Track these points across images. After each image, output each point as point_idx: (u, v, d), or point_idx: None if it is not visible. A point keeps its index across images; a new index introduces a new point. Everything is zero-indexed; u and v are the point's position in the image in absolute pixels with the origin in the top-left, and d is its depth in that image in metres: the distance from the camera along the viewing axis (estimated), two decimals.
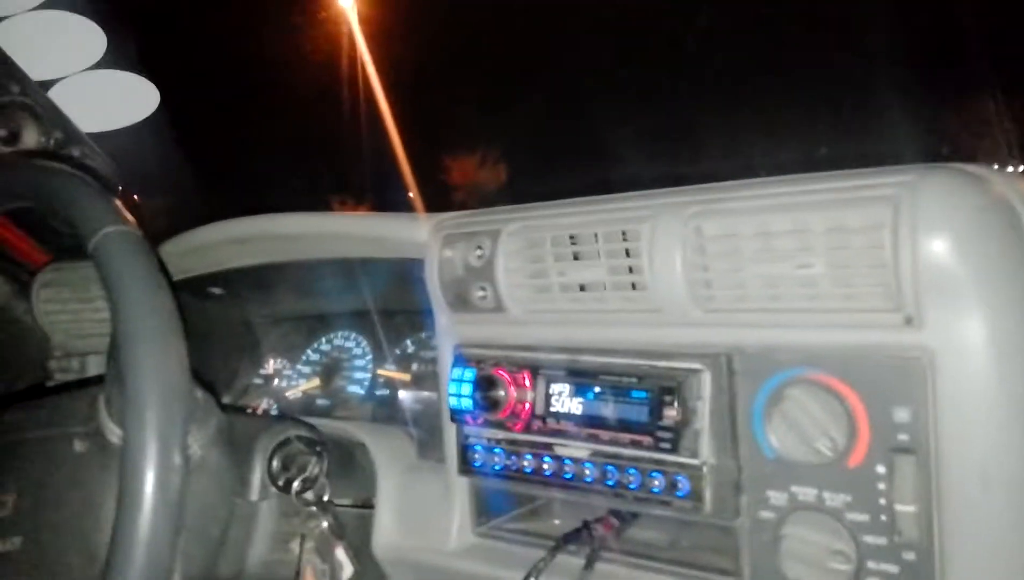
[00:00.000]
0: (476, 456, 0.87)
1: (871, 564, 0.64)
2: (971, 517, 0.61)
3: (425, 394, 1.13)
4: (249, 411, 1.23)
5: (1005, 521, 0.61)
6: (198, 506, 0.70)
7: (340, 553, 0.85)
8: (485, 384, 0.85)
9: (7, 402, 0.84)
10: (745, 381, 0.71)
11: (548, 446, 0.82)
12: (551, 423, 0.82)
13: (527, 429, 0.83)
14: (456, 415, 0.88)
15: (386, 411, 1.17)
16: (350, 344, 1.26)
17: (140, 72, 1.39)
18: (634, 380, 0.77)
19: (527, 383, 0.84)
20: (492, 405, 0.84)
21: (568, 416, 0.80)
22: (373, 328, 1.22)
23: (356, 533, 0.92)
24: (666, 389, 0.74)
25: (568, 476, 0.80)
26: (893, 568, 0.64)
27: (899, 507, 0.63)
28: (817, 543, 0.66)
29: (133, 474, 0.58)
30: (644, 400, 0.75)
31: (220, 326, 1.28)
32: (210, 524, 0.76)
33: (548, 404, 0.82)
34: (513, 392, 0.84)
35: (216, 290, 1.24)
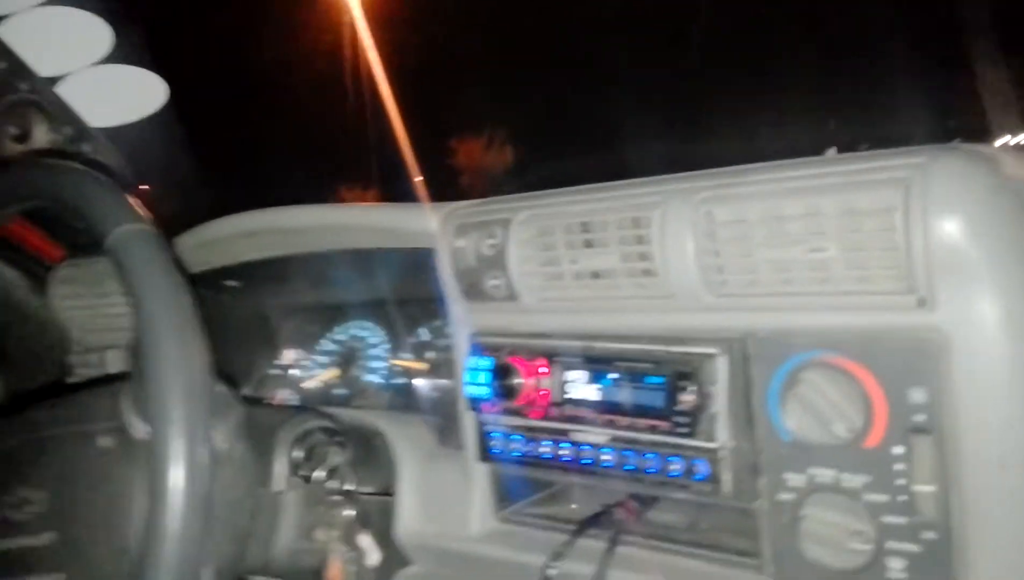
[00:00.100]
0: (494, 443, 0.88)
1: (891, 544, 0.65)
2: (989, 496, 0.62)
3: (442, 382, 1.14)
4: (268, 402, 1.24)
5: (1023, 499, 0.61)
6: (224, 498, 0.71)
7: (365, 540, 0.86)
8: (501, 372, 0.86)
9: (30, 400, 0.85)
10: (760, 365, 0.72)
11: (566, 432, 0.83)
12: (568, 410, 0.82)
13: (545, 416, 0.84)
14: (473, 403, 0.89)
15: (403, 399, 1.18)
16: (366, 333, 1.27)
17: (147, 66, 1.40)
18: (650, 366, 0.77)
19: (543, 371, 0.84)
20: (509, 393, 0.85)
21: (585, 402, 0.81)
22: (388, 317, 1.23)
23: (379, 521, 0.93)
24: (682, 374, 0.75)
25: (587, 461, 0.81)
26: (913, 547, 0.64)
27: (917, 487, 0.63)
28: (836, 524, 0.67)
29: (162, 470, 0.59)
30: (660, 385, 0.76)
31: (236, 318, 1.29)
32: (236, 516, 0.77)
33: (564, 391, 0.83)
34: (530, 380, 0.84)
35: (231, 283, 1.25)
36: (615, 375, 0.79)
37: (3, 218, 0.78)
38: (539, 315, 0.86)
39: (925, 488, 0.63)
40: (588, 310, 0.83)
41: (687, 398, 0.74)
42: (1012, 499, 0.61)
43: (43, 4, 1.22)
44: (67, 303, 1.29)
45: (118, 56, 1.31)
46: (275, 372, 1.32)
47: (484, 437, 0.89)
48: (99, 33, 1.27)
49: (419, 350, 1.20)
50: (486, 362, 0.87)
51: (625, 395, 0.79)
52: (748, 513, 0.73)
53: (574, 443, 0.82)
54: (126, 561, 0.69)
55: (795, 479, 0.70)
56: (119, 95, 1.32)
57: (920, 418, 0.64)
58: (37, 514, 0.75)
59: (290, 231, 1.11)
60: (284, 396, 1.28)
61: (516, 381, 0.85)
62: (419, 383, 1.18)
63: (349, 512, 0.85)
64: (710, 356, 0.74)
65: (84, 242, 1.29)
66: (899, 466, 0.65)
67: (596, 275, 0.80)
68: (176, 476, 0.59)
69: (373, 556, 0.86)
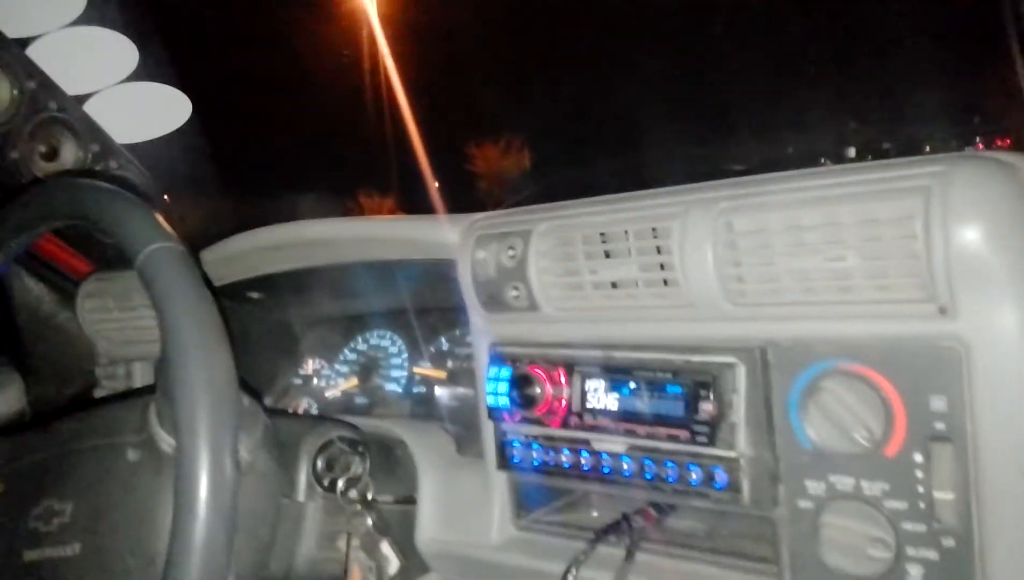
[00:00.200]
0: (514, 452, 0.89)
1: (910, 551, 0.65)
2: (1009, 503, 0.61)
3: (461, 391, 1.15)
4: (291, 412, 1.26)
5: None
6: (248, 508, 0.72)
7: (386, 548, 0.87)
8: (521, 382, 0.86)
9: (59, 412, 0.86)
10: (780, 373, 0.72)
11: (585, 441, 0.83)
12: (588, 419, 0.83)
13: (564, 425, 0.85)
14: (493, 413, 0.89)
15: (423, 408, 1.19)
16: (386, 343, 1.28)
17: (171, 82, 1.42)
18: (669, 375, 0.78)
19: (563, 380, 0.85)
20: (529, 402, 0.86)
21: (604, 411, 0.82)
22: (408, 327, 1.24)
23: (399, 529, 0.94)
24: (701, 383, 0.75)
25: (606, 470, 0.82)
26: (933, 555, 0.64)
27: (938, 495, 0.63)
28: (856, 531, 0.67)
29: (188, 481, 0.61)
30: (679, 394, 0.76)
31: (259, 329, 1.31)
32: (260, 525, 0.79)
33: (584, 400, 0.83)
34: (549, 389, 0.85)
35: (254, 295, 1.27)
36: (634, 384, 0.80)
37: (35, 236, 0.80)
38: (559, 325, 0.87)
39: (945, 496, 0.63)
40: (607, 319, 0.83)
41: (707, 407, 0.74)
42: None
43: (71, 25, 1.24)
44: (94, 316, 1.32)
45: (143, 73, 1.34)
46: (297, 382, 1.34)
47: (504, 446, 0.90)
48: (124, 51, 1.30)
49: (439, 359, 1.21)
50: (506, 371, 0.88)
51: (644, 404, 0.79)
52: (767, 520, 0.74)
53: (593, 452, 0.83)
54: (153, 572, 0.70)
55: (815, 487, 0.70)
56: (144, 112, 1.34)
57: (940, 426, 0.64)
58: (65, 525, 0.76)
59: (312, 244, 1.12)
60: (305, 405, 1.29)
61: (536, 390, 0.85)
62: (439, 392, 1.19)
63: (370, 521, 0.86)
64: (730, 365, 0.74)
65: (111, 256, 1.32)
66: (919, 474, 0.65)
67: (615, 285, 0.80)
68: (203, 488, 0.61)
69: (393, 564, 0.87)
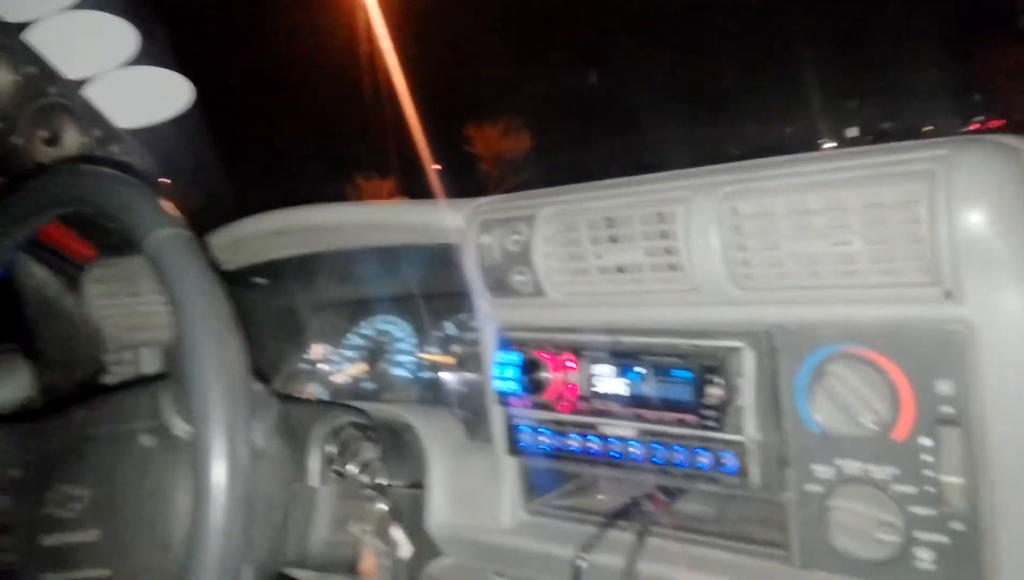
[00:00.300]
0: (523, 437, 0.90)
1: (919, 534, 0.66)
2: (1018, 486, 0.62)
3: (469, 375, 1.16)
4: (301, 398, 1.26)
5: None
6: (261, 493, 0.73)
7: (397, 533, 0.88)
8: (529, 367, 0.87)
9: (70, 400, 0.87)
10: (787, 357, 0.72)
11: (594, 426, 0.84)
12: (596, 403, 0.83)
13: (573, 410, 0.85)
14: (501, 398, 0.90)
15: (431, 393, 1.20)
16: (393, 328, 1.28)
17: (171, 66, 1.41)
18: (676, 359, 0.78)
19: (570, 365, 0.85)
20: (537, 387, 0.86)
21: (612, 396, 0.82)
22: (415, 311, 1.25)
23: (410, 513, 0.95)
24: (708, 367, 0.75)
25: (615, 455, 0.82)
26: (942, 538, 0.65)
27: (946, 478, 0.64)
28: (865, 514, 0.68)
29: (205, 467, 0.61)
30: (687, 379, 0.77)
31: (265, 314, 1.31)
32: (273, 510, 0.79)
33: (592, 385, 0.84)
34: (557, 374, 0.85)
35: (259, 280, 1.27)
36: (642, 369, 0.80)
37: (41, 223, 0.80)
38: (565, 310, 0.87)
39: (953, 479, 0.64)
40: (614, 304, 0.83)
41: (714, 391, 0.75)
42: None
43: (71, 8, 1.23)
44: (101, 302, 1.32)
45: (143, 57, 1.33)
46: (304, 367, 1.34)
47: (512, 431, 0.91)
48: (124, 35, 1.29)
49: (446, 344, 1.21)
50: (513, 357, 0.89)
51: (652, 389, 0.79)
52: (775, 504, 0.74)
53: (602, 437, 0.83)
54: (169, 557, 0.71)
55: (823, 471, 0.70)
56: (145, 96, 1.33)
57: (947, 410, 0.64)
58: (82, 511, 0.77)
59: (317, 229, 1.12)
60: (313, 391, 1.30)
61: (544, 375, 0.86)
62: (446, 377, 1.19)
63: (381, 505, 0.86)
64: (736, 349, 0.74)
65: (116, 242, 1.32)
66: (927, 457, 0.65)
67: (621, 270, 0.80)
68: (219, 474, 0.61)
69: (405, 548, 0.87)
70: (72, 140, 1.24)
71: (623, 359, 0.82)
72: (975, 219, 0.61)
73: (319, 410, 0.89)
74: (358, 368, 1.29)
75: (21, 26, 1.18)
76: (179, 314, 0.64)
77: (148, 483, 0.75)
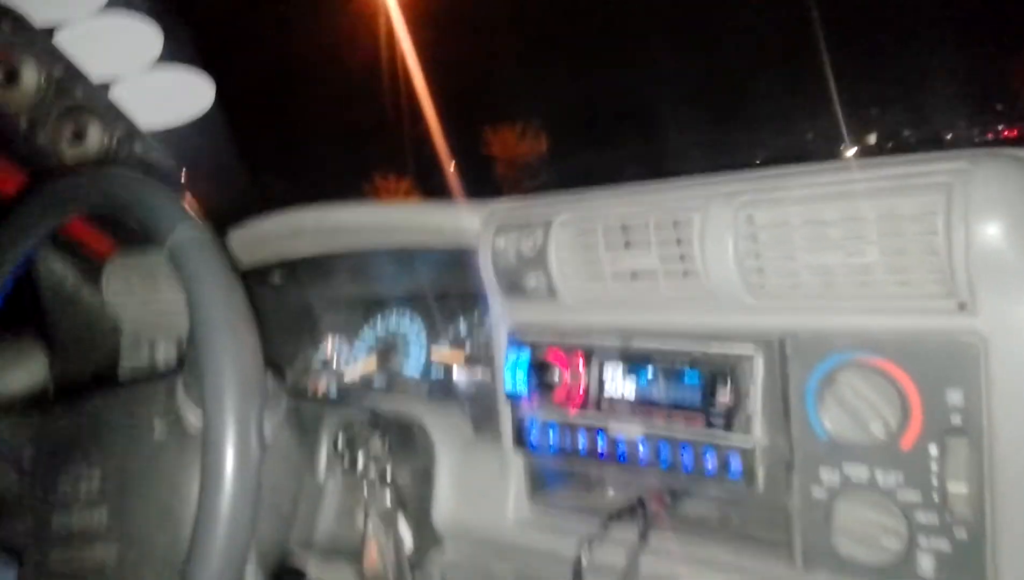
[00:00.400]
0: (531, 435, 0.90)
1: (922, 541, 0.66)
2: (1023, 497, 0.62)
3: (479, 374, 1.16)
4: (311, 393, 1.27)
5: None
6: (270, 485, 0.74)
7: (402, 526, 0.89)
8: (540, 367, 0.88)
9: (85, 389, 0.89)
10: (798, 364, 0.73)
11: (602, 427, 0.84)
12: (605, 404, 0.84)
13: (582, 410, 0.86)
14: (511, 398, 0.91)
15: (441, 391, 1.21)
16: (405, 326, 1.29)
17: (195, 65, 1.43)
18: (687, 363, 0.79)
19: (581, 366, 0.86)
20: (547, 387, 0.87)
21: (622, 398, 0.83)
22: (427, 310, 1.26)
23: (416, 507, 0.96)
24: (719, 372, 0.76)
25: (622, 456, 0.83)
26: (945, 546, 0.65)
27: (951, 487, 0.64)
28: (869, 521, 0.68)
29: (215, 458, 0.62)
30: (697, 383, 0.77)
31: (280, 311, 1.32)
32: (281, 501, 0.80)
33: (602, 386, 0.84)
34: (567, 375, 0.86)
35: (275, 280, 1.28)
36: (652, 372, 0.81)
37: (63, 221, 0.82)
38: (578, 312, 0.87)
39: (959, 488, 0.64)
40: (627, 308, 0.84)
41: (724, 396, 0.75)
42: None
43: (98, 10, 1.26)
44: (119, 295, 1.34)
45: (167, 56, 1.35)
46: (316, 363, 1.36)
47: (521, 429, 0.91)
48: (149, 36, 1.31)
49: (457, 343, 1.22)
50: (525, 357, 0.89)
51: (662, 392, 0.80)
52: (780, 508, 0.75)
53: (610, 438, 0.84)
54: (177, 544, 0.72)
55: (829, 477, 0.71)
56: (168, 96, 1.35)
57: (956, 420, 0.64)
58: (92, 494, 0.78)
59: (334, 229, 1.13)
60: (325, 386, 1.31)
61: (554, 377, 0.87)
62: (456, 376, 1.20)
63: (388, 498, 0.87)
64: (748, 356, 0.75)
65: (135, 236, 1.34)
66: (934, 466, 0.65)
67: (635, 275, 0.81)
68: (229, 464, 0.62)
69: (409, 541, 0.88)
70: (96, 140, 1.26)
71: (634, 362, 0.83)
72: (992, 232, 0.61)
73: (329, 405, 0.90)
74: (369, 365, 1.30)
75: (49, 29, 1.21)
76: (196, 311, 0.66)
77: (159, 471, 0.76)
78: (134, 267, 1.33)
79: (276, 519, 0.80)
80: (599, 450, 0.85)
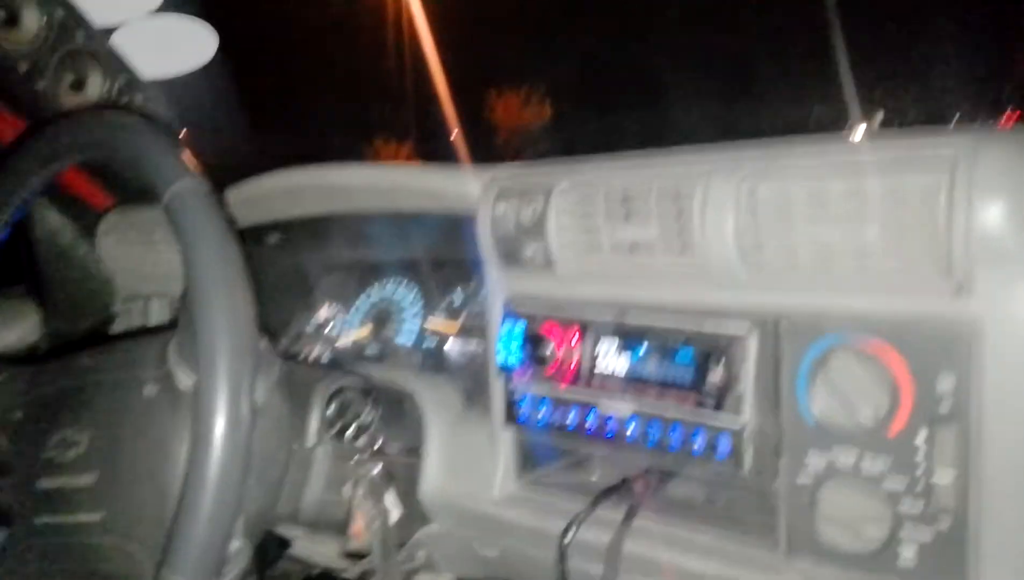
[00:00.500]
0: (522, 409, 0.90)
1: (905, 530, 0.66)
2: (1009, 487, 0.62)
3: (473, 345, 1.16)
4: (304, 359, 1.27)
5: None
6: (259, 449, 0.74)
7: (389, 497, 0.89)
8: (534, 340, 0.87)
9: (76, 346, 0.88)
10: (791, 345, 0.72)
11: (593, 403, 0.84)
12: (597, 380, 0.84)
13: (574, 385, 0.85)
14: (504, 370, 0.90)
15: (434, 361, 1.20)
16: (400, 294, 1.28)
17: (199, 15, 1.41)
18: (680, 340, 0.78)
19: (575, 340, 0.85)
20: (540, 360, 0.87)
21: (614, 374, 0.82)
22: (423, 278, 1.25)
23: (404, 479, 0.96)
24: (712, 351, 0.75)
25: (610, 434, 0.82)
26: (928, 535, 0.65)
27: (937, 475, 0.64)
28: (853, 508, 0.68)
29: (206, 419, 0.62)
30: (690, 361, 0.77)
31: (275, 273, 1.32)
32: (269, 467, 0.80)
33: (594, 361, 0.84)
34: (561, 348, 0.86)
35: (272, 239, 1.27)
36: (646, 348, 0.80)
37: (61, 168, 0.80)
38: (574, 284, 0.87)
39: (945, 476, 0.63)
40: (623, 281, 0.83)
41: (716, 375, 0.75)
42: None
43: None
44: (114, 250, 1.33)
45: (170, 5, 1.33)
46: (310, 328, 1.35)
47: (511, 403, 0.91)
48: None
49: (452, 313, 1.21)
50: (519, 329, 0.89)
51: (654, 369, 0.79)
52: (765, 491, 0.74)
53: (600, 414, 0.83)
54: (165, 505, 0.72)
55: (816, 462, 0.70)
56: (171, 46, 1.33)
57: (946, 406, 0.64)
58: (81, 455, 0.78)
59: (333, 190, 1.12)
60: (317, 352, 1.31)
61: (548, 350, 0.86)
62: (449, 346, 1.20)
63: (376, 469, 0.87)
64: (742, 334, 0.74)
65: (132, 190, 1.32)
66: (920, 454, 0.65)
67: (634, 247, 0.80)
68: (220, 426, 0.62)
69: (395, 513, 0.89)
70: (96, 87, 1.24)
71: (628, 337, 0.82)
72: (993, 213, 0.60)
73: (321, 371, 0.89)
74: (363, 332, 1.30)
75: None
76: (192, 266, 0.65)
77: (149, 432, 0.76)
78: (130, 223, 1.32)
79: (264, 485, 0.80)
80: (588, 427, 0.84)
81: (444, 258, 1.20)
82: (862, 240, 0.66)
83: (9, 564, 0.80)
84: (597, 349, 0.84)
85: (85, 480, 0.77)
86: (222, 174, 1.22)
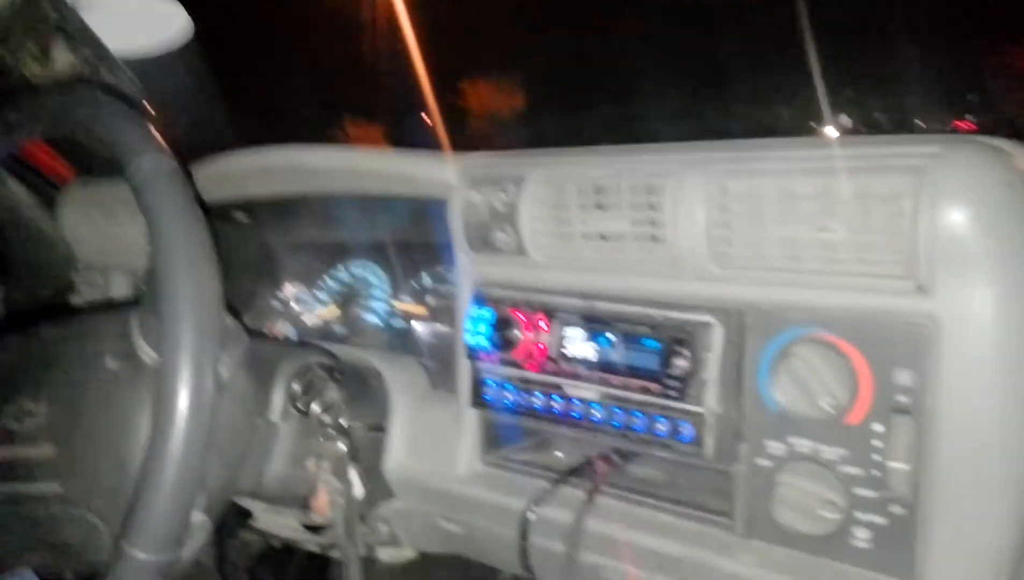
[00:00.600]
0: (488, 391, 0.91)
1: (859, 514, 0.68)
2: (959, 479, 0.64)
3: (440, 327, 1.16)
4: (271, 336, 1.26)
5: (994, 484, 0.64)
6: (222, 425, 0.73)
7: (353, 474, 0.89)
8: (502, 324, 0.88)
9: (36, 317, 0.86)
10: (755, 336, 0.74)
11: (559, 386, 0.85)
12: (563, 365, 0.85)
13: (540, 369, 0.86)
14: (471, 352, 0.91)
15: (400, 341, 1.20)
16: (368, 274, 1.28)
17: None
18: (647, 329, 0.79)
19: (543, 325, 0.86)
20: (507, 344, 0.87)
21: (580, 359, 0.83)
22: (391, 260, 1.24)
23: (368, 455, 0.96)
24: (677, 339, 0.77)
25: (576, 415, 0.84)
26: (880, 520, 0.67)
27: (892, 464, 0.66)
28: (810, 492, 0.70)
29: (169, 394, 0.62)
30: (655, 348, 0.78)
31: (241, 250, 1.30)
32: (232, 442, 0.80)
33: (562, 347, 0.85)
34: (528, 333, 0.87)
35: (240, 217, 1.26)
36: (612, 335, 0.81)
37: (24, 140, 0.79)
38: (544, 271, 0.88)
39: (899, 466, 0.66)
40: (593, 269, 0.84)
41: (680, 363, 0.76)
42: (980, 484, 0.64)
43: None
44: (75, 223, 1.30)
45: None
46: (276, 305, 1.34)
47: (478, 384, 0.92)
48: None
49: (420, 295, 1.21)
50: (487, 313, 0.89)
51: (620, 355, 0.81)
52: (725, 475, 0.76)
53: (566, 398, 0.84)
54: (125, 479, 0.71)
55: (775, 447, 0.72)
56: (141, 22, 1.31)
57: (903, 399, 0.66)
58: (38, 426, 0.76)
59: (305, 170, 1.11)
60: (283, 329, 1.30)
61: (515, 333, 0.87)
62: (417, 327, 1.20)
63: (341, 445, 0.87)
64: (707, 324, 0.76)
65: (94, 163, 1.30)
66: (876, 443, 0.67)
67: (604, 237, 0.81)
68: (183, 401, 0.61)
69: (359, 489, 0.89)
70: (62, 60, 1.21)
71: (595, 324, 0.83)
72: (956, 218, 0.62)
73: (288, 348, 0.89)
74: (330, 311, 1.29)
75: None
76: (157, 241, 0.64)
77: (110, 405, 0.75)
78: (92, 195, 1.30)
79: (226, 460, 0.79)
80: (554, 409, 0.85)
81: (413, 241, 1.20)
82: (829, 239, 0.68)
83: None
84: (564, 335, 0.85)
85: (43, 451, 0.76)
86: (189, 152, 1.20)
